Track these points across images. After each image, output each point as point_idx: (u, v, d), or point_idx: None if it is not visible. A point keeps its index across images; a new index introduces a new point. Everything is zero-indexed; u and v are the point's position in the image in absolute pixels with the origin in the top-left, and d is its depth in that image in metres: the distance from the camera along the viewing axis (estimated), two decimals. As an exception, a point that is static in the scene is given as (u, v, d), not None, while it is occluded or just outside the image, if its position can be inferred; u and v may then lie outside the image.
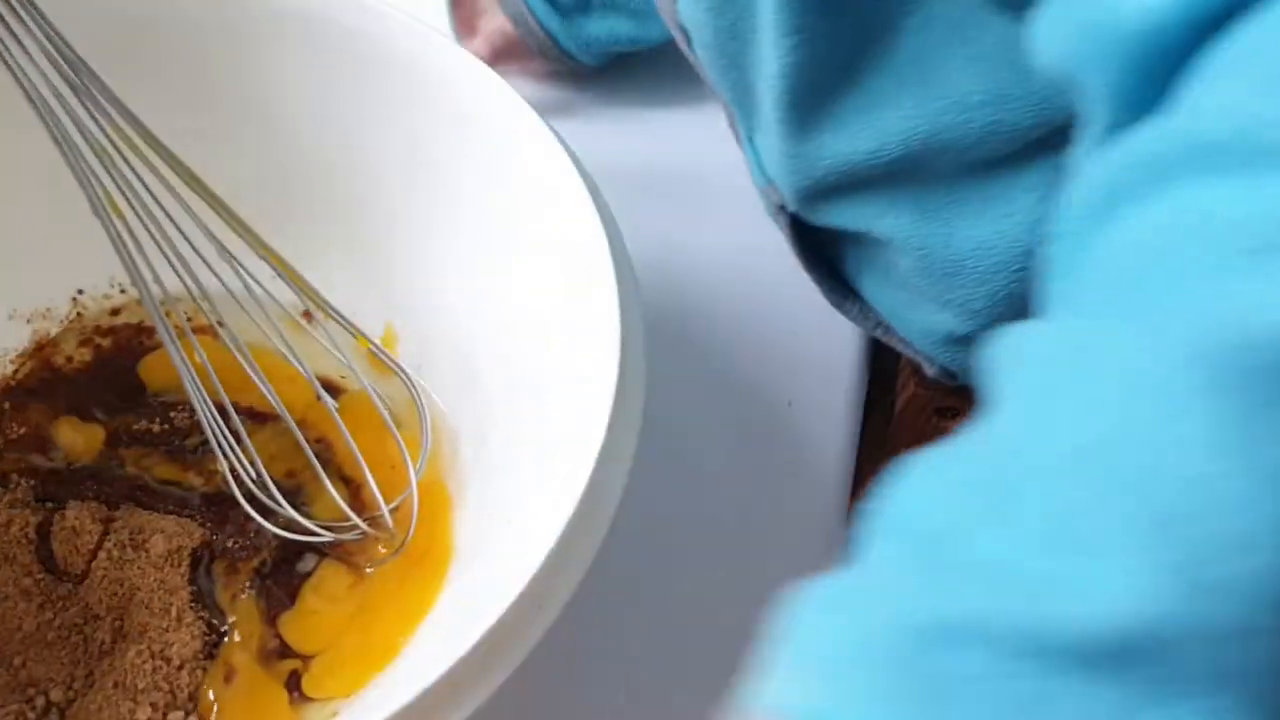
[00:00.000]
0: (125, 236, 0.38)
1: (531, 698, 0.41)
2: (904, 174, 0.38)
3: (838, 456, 0.49)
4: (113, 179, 0.38)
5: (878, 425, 0.51)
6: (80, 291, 0.45)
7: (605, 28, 0.57)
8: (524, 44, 0.57)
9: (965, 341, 0.42)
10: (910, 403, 0.50)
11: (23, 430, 0.43)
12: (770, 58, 0.36)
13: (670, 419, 0.45)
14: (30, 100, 0.37)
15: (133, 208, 0.38)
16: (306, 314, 0.45)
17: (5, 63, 0.37)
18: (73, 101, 0.37)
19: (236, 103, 0.44)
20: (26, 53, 0.37)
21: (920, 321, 0.44)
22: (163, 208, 0.39)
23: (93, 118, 0.37)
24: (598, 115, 0.59)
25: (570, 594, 0.33)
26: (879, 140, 0.37)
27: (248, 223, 0.40)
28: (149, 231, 0.39)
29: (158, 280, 0.38)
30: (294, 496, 0.40)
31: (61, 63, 0.37)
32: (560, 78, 0.59)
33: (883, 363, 0.52)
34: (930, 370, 0.46)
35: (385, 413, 0.42)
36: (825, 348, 0.52)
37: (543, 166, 0.38)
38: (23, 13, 0.37)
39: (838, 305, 0.47)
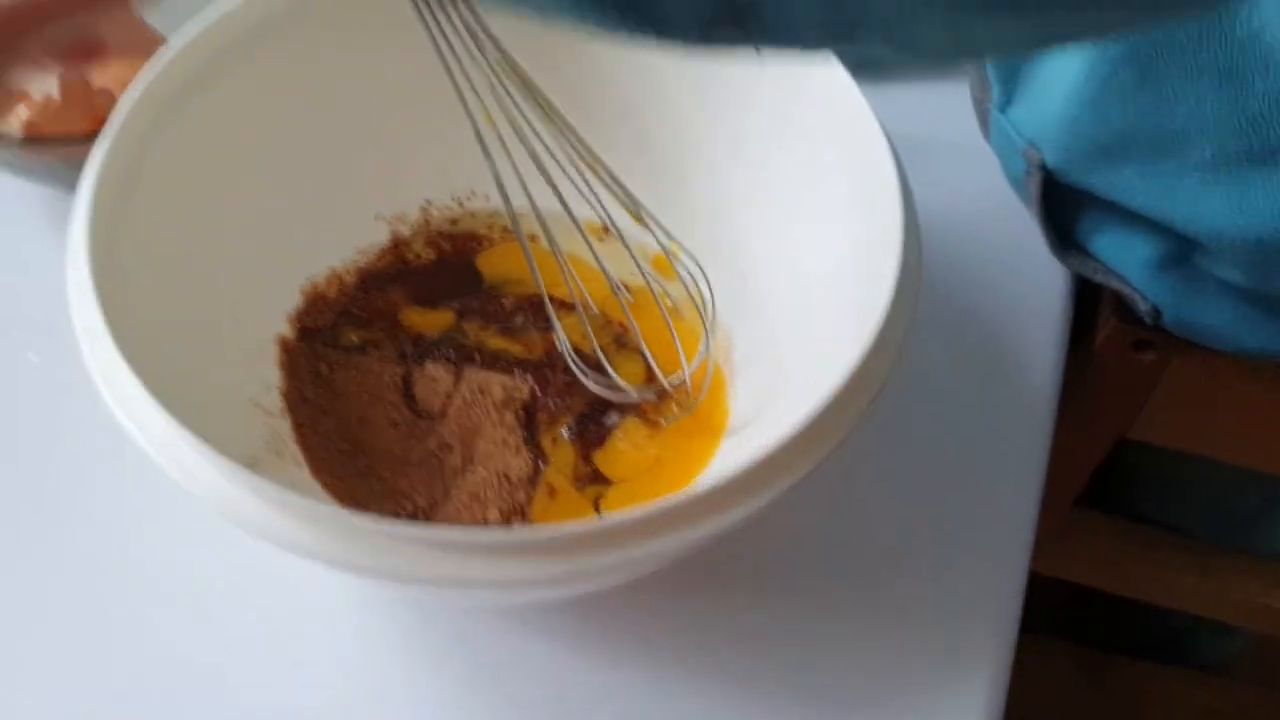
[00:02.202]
0: (496, 156, 0.48)
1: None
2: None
3: (1043, 384, 0.56)
4: (486, 109, 0.48)
5: (1082, 353, 0.58)
6: (428, 202, 0.56)
7: None
8: None
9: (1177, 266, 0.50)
10: (1110, 337, 0.57)
11: (385, 307, 0.54)
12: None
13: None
14: (430, 37, 0.47)
15: (499, 135, 0.48)
16: (604, 229, 0.55)
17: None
18: (461, 38, 0.48)
19: (557, 44, 0.53)
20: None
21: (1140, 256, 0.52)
22: (519, 134, 0.49)
23: (481, 54, 0.48)
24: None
25: (832, 449, 0.41)
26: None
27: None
28: (509, 155, 0.49)
29: (525, 193, 0.48)
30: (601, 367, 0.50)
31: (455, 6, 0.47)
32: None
33: (1085, 301, 0.59)
34: (1144, 308, 0.53)
35: (661, 308, 0.51)
36: (1033, 288, 0.59)
37: (830, 93, 0.46)
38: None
39: (1061, 257, 0.56)
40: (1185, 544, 0.72)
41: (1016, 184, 0.57)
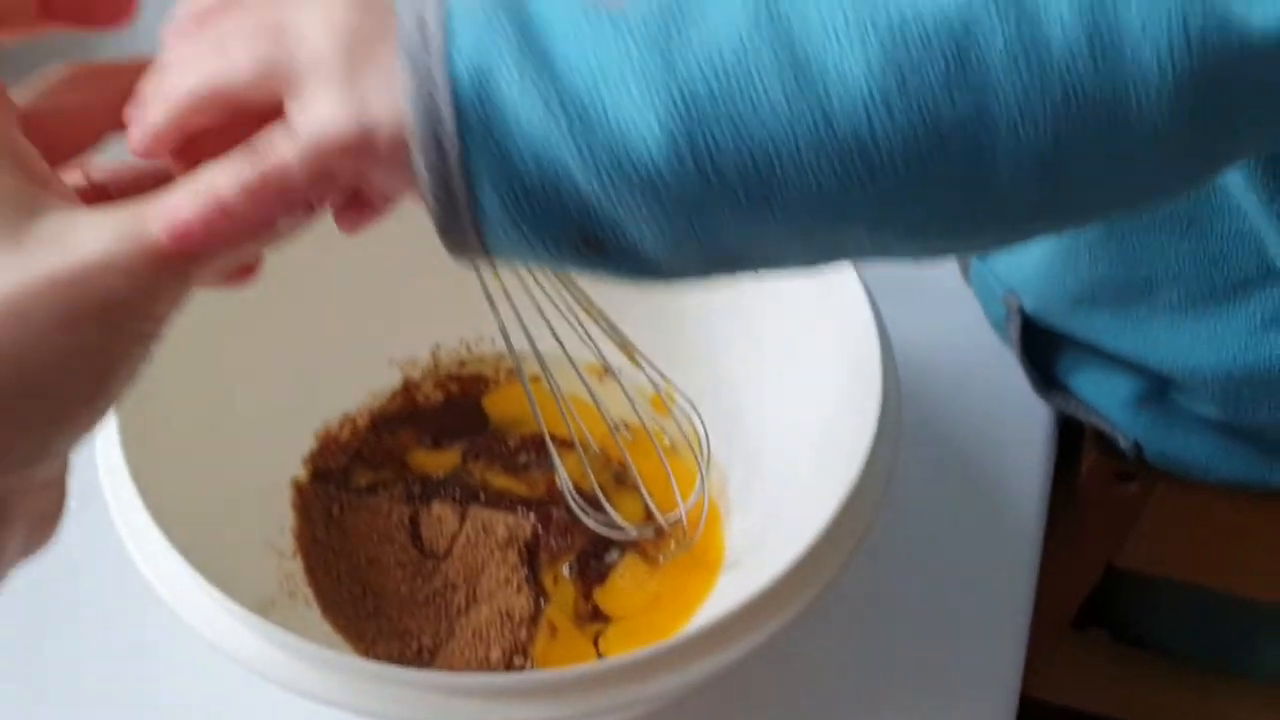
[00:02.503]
0: (502, 308, 0.51)
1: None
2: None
3: (1029, 515, 0.58)
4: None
5: (1065, 485, 0.60)
6: (438, 346, 0.59)
7: None
8: None
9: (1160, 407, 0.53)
10: (1092, 469, 0.59)
11: (395, 448, 0.56)
12: None
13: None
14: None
15: (505, 288, 0.51)
16: (604, 369, 0.58)
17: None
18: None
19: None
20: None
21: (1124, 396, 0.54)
22: (522, 283, 0.52)
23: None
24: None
25: (824, 586, 0.43)
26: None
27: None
28: (512, 302, 0.52)
29: (529, 339, 0.51)
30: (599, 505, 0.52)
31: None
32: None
33: (1068, 434, 0.61)
34: (1125, 444, 0.56)
35: (657, 447, 0.54)
36: (1017, 423, 0.61)
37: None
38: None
39: (1044, 395, 0.58)
40: (1181, 667, 0.73)
41: (998, 326, 0.60)
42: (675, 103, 0.26)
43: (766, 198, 0.27)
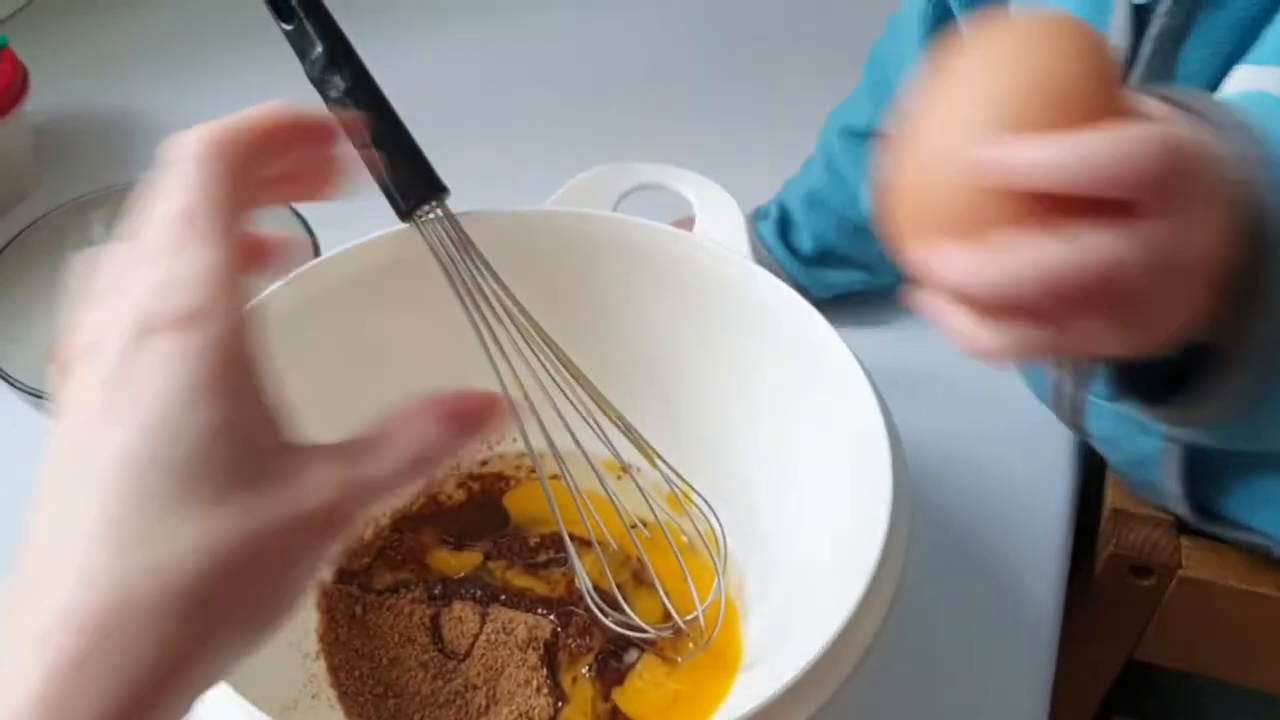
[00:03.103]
0: (521, 406, 0.52)
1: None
2: None
3: (1047, 608, 0.58)
4: (513, 368, 0.53)
5: (1081, 580, 0.60)
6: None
7: (844, 277, 0.71)
8: None
9: None
10: (1110, 562, 0.59)
11: (417, 547, 0.57)
12: None
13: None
14: (464, 309, 0.52)
15: (523, 387, 0.53)
16: (622, 468, 0.59)
17: (447, 276, 0.53)
18: (488, 307, 0.53)
19: (590, 310, 0.58)
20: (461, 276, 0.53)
21: None
22: (543, 387, 0.53)
23: (500, 321, 0.53)
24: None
25: (841, 683, 0.43)
26: None
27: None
28: (531, 404, 0.53)
29: (547, 439, 0.52)
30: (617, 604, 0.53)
31: (486, 280, 0.53)
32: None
33: (1085, 526, 0.61)
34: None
35: (673, 546, 0.54)
36: (1035, 516, 0.62)
37: (826, 355, 0.51)
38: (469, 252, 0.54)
39: (1197, 524, 0.57)
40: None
41: (1138, 463, 0.56)
42: None
43: None
